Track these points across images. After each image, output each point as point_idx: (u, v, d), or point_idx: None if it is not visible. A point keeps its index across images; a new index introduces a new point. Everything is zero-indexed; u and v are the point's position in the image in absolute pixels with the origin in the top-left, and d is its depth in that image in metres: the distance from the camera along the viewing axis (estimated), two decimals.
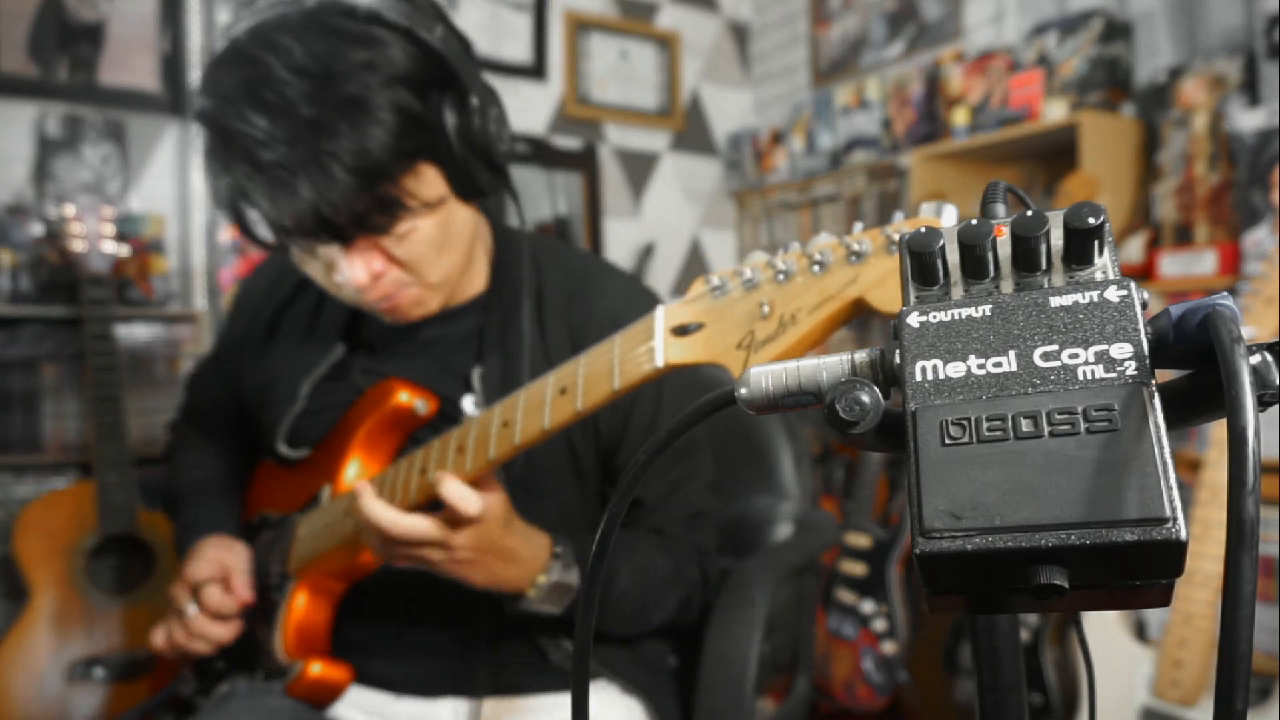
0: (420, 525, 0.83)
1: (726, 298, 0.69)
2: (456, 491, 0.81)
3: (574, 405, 0.76)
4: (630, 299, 1.03)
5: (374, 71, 0.83)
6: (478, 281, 1.04)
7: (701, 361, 0.69)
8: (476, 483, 0.85)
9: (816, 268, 0.63)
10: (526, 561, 0.87)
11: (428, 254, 0.92)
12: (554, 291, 1.03)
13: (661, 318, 0.72)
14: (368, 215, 0.85)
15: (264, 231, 0.91)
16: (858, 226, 0.64)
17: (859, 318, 0.64)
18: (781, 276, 0.65)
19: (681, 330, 0.71)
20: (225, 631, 1.02)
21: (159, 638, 1.05)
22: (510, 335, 1.00)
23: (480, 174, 0.91)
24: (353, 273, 0.90)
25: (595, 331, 0.96)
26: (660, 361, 0.70)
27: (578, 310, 1.02)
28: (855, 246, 0.61)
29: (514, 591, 0.89)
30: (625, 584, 0.95)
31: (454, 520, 0.82)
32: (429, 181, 0.89)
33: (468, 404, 0.99)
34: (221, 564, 1.03)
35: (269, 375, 1.11)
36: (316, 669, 0.96)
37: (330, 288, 0.95)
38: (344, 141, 0.82)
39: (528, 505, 0.98)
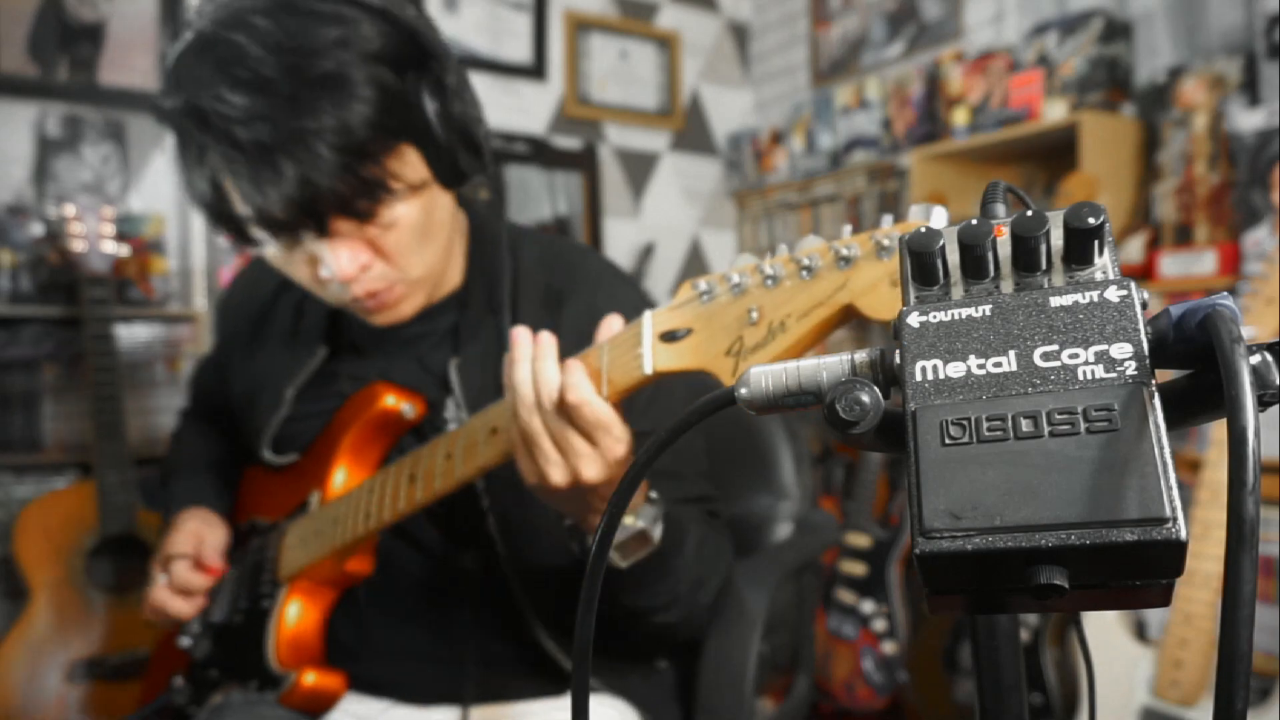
0: (605, 408, 0.72)
1: (715, 303, 0.67)
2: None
3: None
4: (613, 293, 1.01)
5: (349, 48, 0.81)
6: (455, 276, 1.02)
7: (690, 368, 0.68)
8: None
9: (805, 273, 0.62)
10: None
11: (411, 244, 0.90)
12: (530, 281, 1.01)
13: (650, 323, 0.71)
14: (352, 199, 0.83)
15: (240, 224, 0.87)
16: (846, 230, 0.62)
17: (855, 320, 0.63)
18: (770, 281, 0.64)
19: (670, 336, 0.70)
20: (187, 607, 1.06)
21: (145, 606, 1.09)
22: (485, 328, 0.99)
23: (461, 157, 0.89)
24: (338, 264, 0.87)
25: (572, 322, 0.94)
26: (649, 369, 0.69)
27: (554, 299, 0.99)
28: (844, 251, 0.60)
29: (586, 524, 0.81)
30: (690, 551, 0.87)
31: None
32: (411, 164, 0.87)
33: (449, 410, 0.98)
34: (197, 536, 1.05)
35: (253, 381, 1.11)
36: (310, 679, 0.96)
37: (315, 287, 0.93)
38: (326, 119, 0.79)
39: (532, 501, 0.97)
